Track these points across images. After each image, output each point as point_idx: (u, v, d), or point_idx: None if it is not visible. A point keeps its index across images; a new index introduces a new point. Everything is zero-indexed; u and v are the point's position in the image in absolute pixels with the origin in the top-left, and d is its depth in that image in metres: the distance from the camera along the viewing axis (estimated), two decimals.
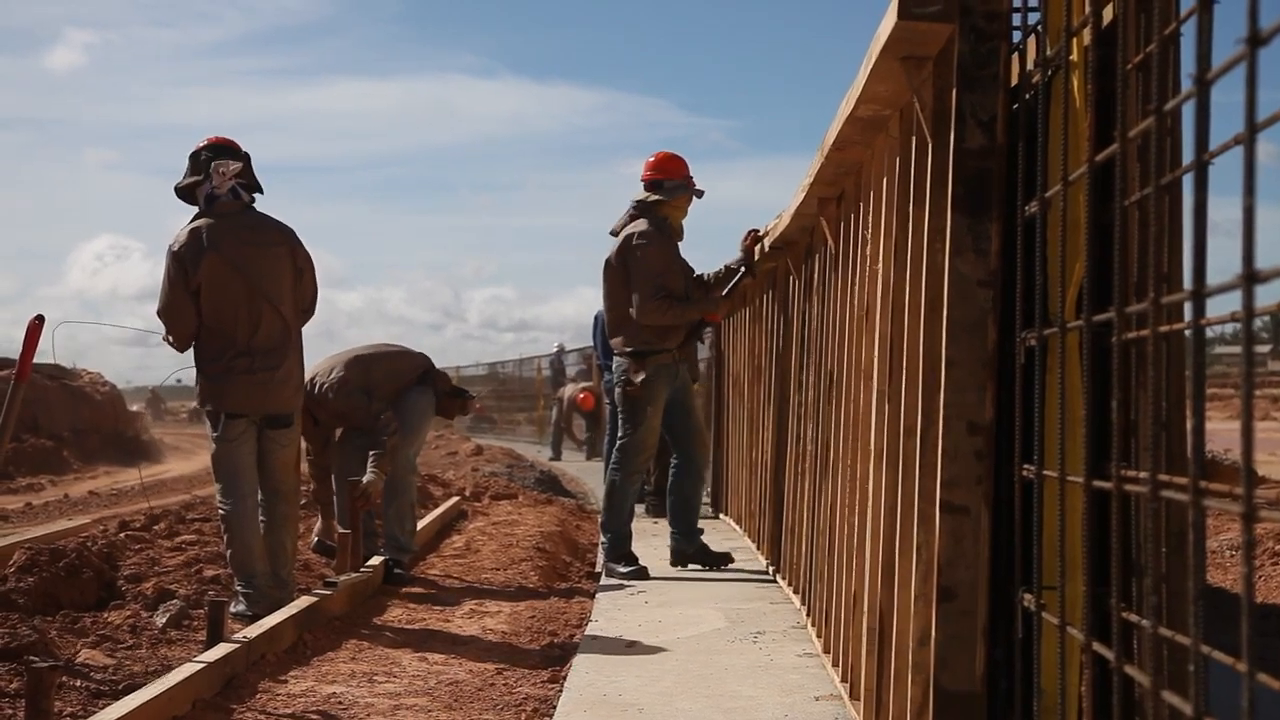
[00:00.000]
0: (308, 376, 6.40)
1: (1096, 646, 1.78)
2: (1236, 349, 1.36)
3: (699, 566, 7.15)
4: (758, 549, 7.57)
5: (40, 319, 4.82)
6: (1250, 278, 1.19)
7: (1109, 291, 1.82)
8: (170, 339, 5.73)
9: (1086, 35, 2.30)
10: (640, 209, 7.18)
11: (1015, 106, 2.74)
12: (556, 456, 20.88)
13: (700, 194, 7.24)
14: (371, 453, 6.69)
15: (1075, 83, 2.39)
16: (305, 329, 5.90)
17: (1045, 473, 2.14)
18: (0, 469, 14.09)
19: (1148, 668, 1.59)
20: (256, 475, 5.71)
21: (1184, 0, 1.87)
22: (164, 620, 5.31)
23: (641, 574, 6.86)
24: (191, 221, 5.71)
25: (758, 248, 7.09)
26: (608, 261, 7.17)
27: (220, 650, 4.41)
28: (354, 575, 6.22)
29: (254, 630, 4.81)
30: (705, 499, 10.74)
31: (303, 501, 6.94)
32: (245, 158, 5.79)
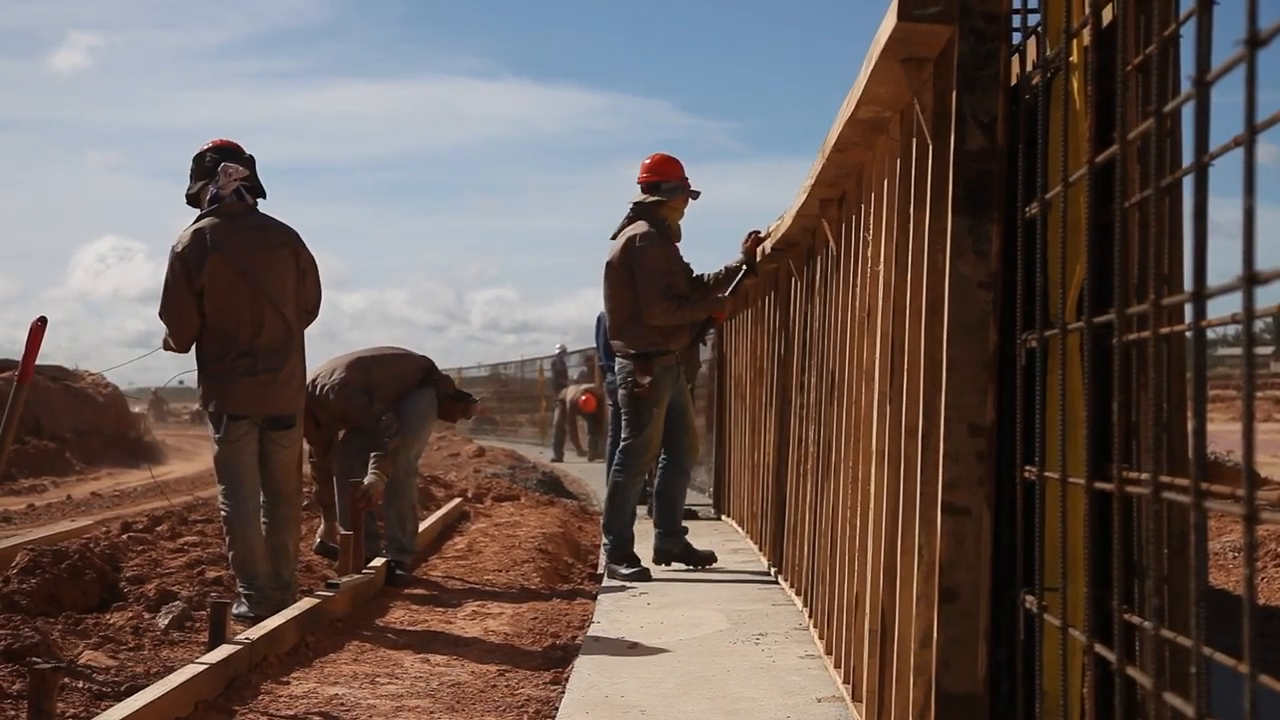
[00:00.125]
0: (309, 378, 6.41)
1: (1098, 648, 1.78)
2: (1238, 350, 1.36)
3: (684, 565, 7.17)
4: (760, 550, 7.57)
5: (43, 320, 4.82)
6: (1251, 279, 1.19)
7: (1109, 293, 1.82)
8: (170, 342, 5.73)
9: (1086, 36, 2.30)
10: (639, 211, 7.18)
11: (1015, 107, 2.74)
12: (559, 458, 20.90)
13: (696, 195, 7.24)
14: (373, 454, 6.70)
15: (1075, 84, 2.39)
16: (307, 330, 5.90)
17: (1047, 474, 2.14)
18: (3, 471, 14.08)
19: (1150, 669, 1.59)
20: (259, 477, 5.71)
21: (1183, 1, 1.87)
22: (166, 622, 5.32)
23: (644, 575, 6.86)
24: (195, 222, 5.71)
25: (759, 249, 7.09)
26: (609, 263, 7.16)
27: (222, 652, 4.41)
28: (356, 577, 6.22)
29: (256, 632, 4.81)
30: (706, 499, 10.77)
31: (305, 503, 6.94)
32: (250, 161, 5.79)
